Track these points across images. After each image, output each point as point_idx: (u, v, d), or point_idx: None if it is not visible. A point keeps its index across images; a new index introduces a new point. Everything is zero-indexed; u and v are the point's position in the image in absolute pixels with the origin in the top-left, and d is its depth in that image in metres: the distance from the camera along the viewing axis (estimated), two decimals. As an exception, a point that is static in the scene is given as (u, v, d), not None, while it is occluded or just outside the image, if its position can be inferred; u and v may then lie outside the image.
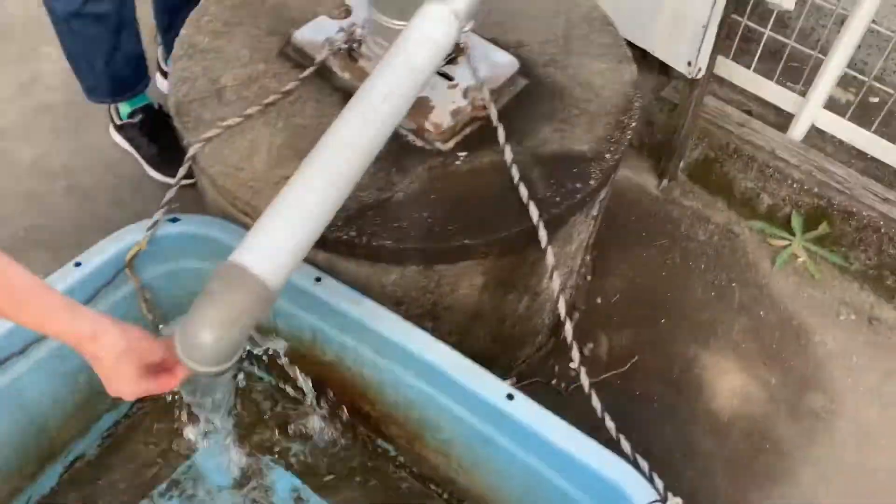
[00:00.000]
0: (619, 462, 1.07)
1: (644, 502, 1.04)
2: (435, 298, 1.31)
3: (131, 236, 1.24)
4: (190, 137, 1.27)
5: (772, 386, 1.69)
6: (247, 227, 1.24)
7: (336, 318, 1.22)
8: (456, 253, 1.21)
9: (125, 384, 0.95)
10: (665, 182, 2.03)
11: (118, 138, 1.97)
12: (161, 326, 1.33)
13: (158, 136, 1.91)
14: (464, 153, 1.29)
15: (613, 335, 1.74)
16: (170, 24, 1.91)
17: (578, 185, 1.26)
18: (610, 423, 1.13)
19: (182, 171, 1.26)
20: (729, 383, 1.68)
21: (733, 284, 1.86)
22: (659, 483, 1.06)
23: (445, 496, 1.40)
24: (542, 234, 1.21)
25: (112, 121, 1.95)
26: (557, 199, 1.24)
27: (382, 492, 1.41)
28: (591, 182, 1.27)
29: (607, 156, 1.31)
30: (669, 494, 1.05)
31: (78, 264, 1.21)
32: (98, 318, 0.92)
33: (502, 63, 1.38)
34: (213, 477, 1.41)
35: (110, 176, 1.94)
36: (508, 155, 1.26)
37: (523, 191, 1.23)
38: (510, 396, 1.12)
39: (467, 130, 1.31)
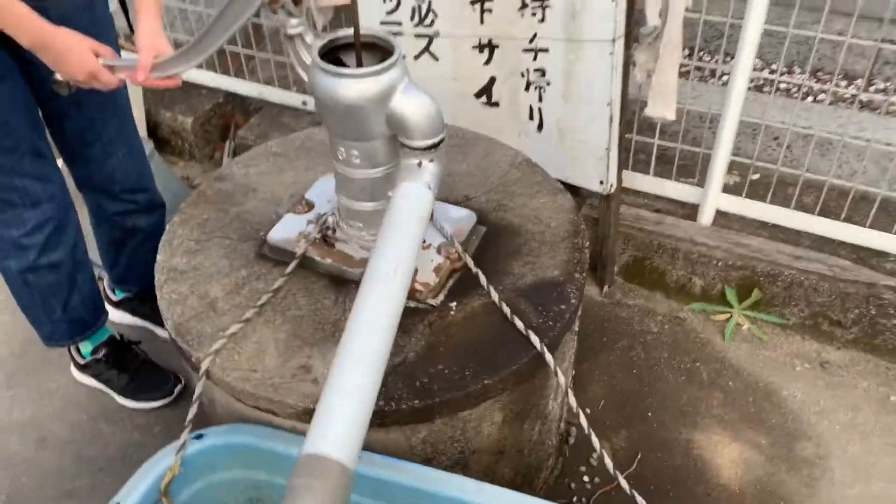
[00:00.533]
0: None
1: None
2: (462, 446, 1.37)
3: (163, 463, 1.25)
4: (197, 354, 1.31)
5: (763, 446, 1.81)
6: (271, 424, 1.30)
7: (382, 490, 1.25)
8: (477, 396, 1.29)
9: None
10: (606, 288, 2.21)
11: (83, 377, 1.95)
12: None
13: (127, 365, 1.91)
14: (454, 303, 1.40)
15: (612, 439, 1.83)
16: (115, 260, 1.97)
17: (563, 307, 1.39)
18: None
19: (198, 389, 1.29)
20: (727, 455, 1.79)
21: (697, 364, 2.01)
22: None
23: None
24: (549, 357, 1.32)
25: (74, 361, 1.94)
26: (550, 322, 1.36)
27: None
28: (573, 301, 1.41)
29: (576, 275, 1.46)
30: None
31: (116, 505, 1.20)
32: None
33: (461, 217, 1.52)
34: None
35: (82, 416, 1.91)
36: (495, 295, 1.39)
37: (519, 323, 1.34)
38: (569, 515, 1.18)
39: (450, 283, 1.43)
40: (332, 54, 1.29)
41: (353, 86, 1.21)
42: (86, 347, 1.90)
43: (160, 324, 2.08)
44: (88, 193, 1.82)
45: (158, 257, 1.50)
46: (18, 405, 1.94)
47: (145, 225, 1.90)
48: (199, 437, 1.29)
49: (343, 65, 1.27)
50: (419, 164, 1.27)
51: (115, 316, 2.08)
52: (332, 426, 0.97)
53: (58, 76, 1.43)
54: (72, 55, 1.36)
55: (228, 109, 2.80)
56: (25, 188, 1.56)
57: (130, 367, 1.91)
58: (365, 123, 1.26)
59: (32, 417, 1.91)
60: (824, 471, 1.76)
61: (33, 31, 1.33)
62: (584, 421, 1.31)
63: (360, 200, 1.39)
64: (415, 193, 1.24)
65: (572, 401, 1.33)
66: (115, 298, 2.09)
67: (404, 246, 1.17)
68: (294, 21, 1.26)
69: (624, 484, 1.28)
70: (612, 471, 1.28)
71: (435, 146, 1.26)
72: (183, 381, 1.95)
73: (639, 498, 1.25)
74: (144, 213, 1.88)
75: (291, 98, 2.64)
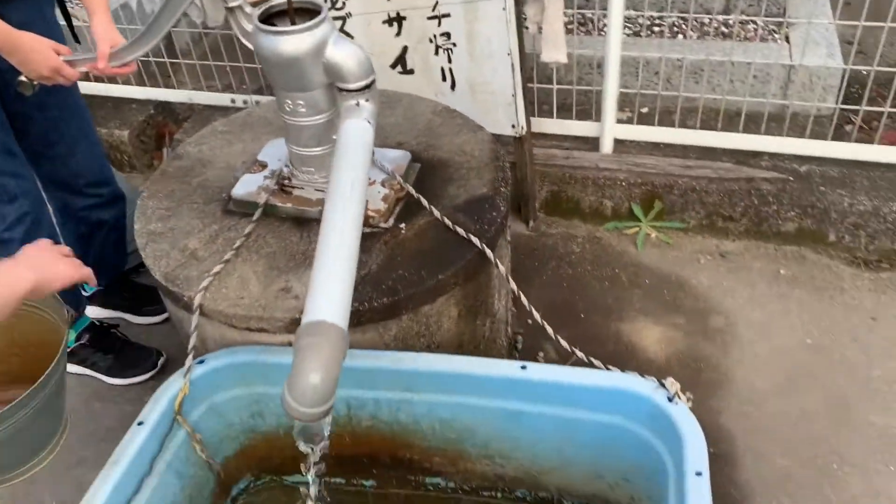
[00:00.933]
0: (622, 374, 1.41)
1: (652, 390, 1.37)
2: (427, 341, 1.61)
3: (174, 386, 1.44)
4: (188, 293, 1.51)
5: (681, 325, 2.11)
6: (261, 343, 1.51)
7: (367, 378, 1.47)
8: (435, 290, 1.53)
9: None
10: (531, 223, 2.49)
11: (69, 367, 2.09)
12: None
13: (110, 347, 2.07)
14: (402, 224, 1.64)
15: (553, 341, 2.10)
16: (84, 255, 2.12)
17: (494, 214, 1.65)
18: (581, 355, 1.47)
19: (194, 320, 1.49)
20: (652, 336, 2.09)
21: (616, 271, 2.31)
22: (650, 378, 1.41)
23: (500, 495, 1.63)
24: (489, 252, 1.58)
25: (58, 352, 2.08)
26: (486, 227, 1.61)
27: (448, 521, 1.62)
28: (502, 209, 1.67)
29: (502, 189, 1.72)
30: (669, 379, 1.39)
31: (141, 423, 1.38)
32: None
33: (398, 157, 1.76)
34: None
35: (75, 400, 2.05)
36: (437, 213, 1.63)
37: (461, 231, 1.59)
38: (523, 367, 1.43)
39: (397, 209, 1.67)
40: (268, 21, 1.52)
41: (293, 41, 1.43)
42: (69, 337, 2.05)
43: (132, 311, 2.26)
44: (54, 192, 1.97)
45: (136, 225, 1.69)
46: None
47: (109, 218, 2.07)
48: (202, 361, 1.49)
49: (280, 28, 1.50)
50: (357, 104, 1.51)
51: (88, 311, 2.23)
52: (325, 299, 1.19)
53: (23, 77, 1.60)
54: (36, 54, 1.55)
55: (160, 119, 2.96)
56: (3, 185, 1.72)
57: (114, 348, 2.07)
58: (305, 74, 1.48)
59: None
60: (734, 336, 2.07)
61: (2, 35, 1.51)
62: (524, 300, 1.57)
63: (309, 147, 1.62)
64: (357, 127, 1.48)
65: (512, 285, 1.58)
66: (85, 293, 2.24)
67: (357, 167, 1.40)
68: (233, -5, 1.48)
69: (581, 354, 1.53)
70: (564, 343, 1.54)
71: (368, 87, 1.50)
72: (165, 355, 2.12)
73: (580, 354, 1.51)
74: (108, 207, 2.05)
75: (220, 98, 2.83)
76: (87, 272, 1.30)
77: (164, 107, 2.97)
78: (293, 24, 1.48)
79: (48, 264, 1.23)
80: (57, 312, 1.41)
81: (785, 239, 2.32)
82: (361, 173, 1.41)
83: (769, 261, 2.29)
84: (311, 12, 1.51)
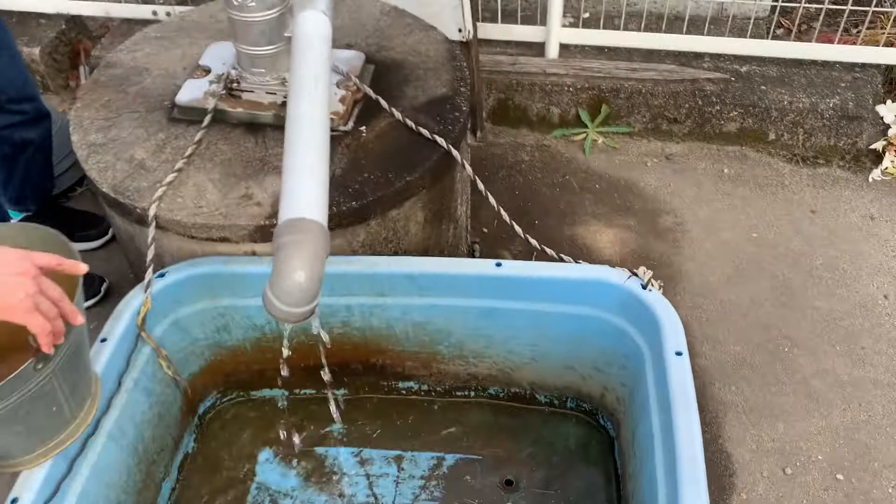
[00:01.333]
0: (594, 266, 1.42)
1: (623, 279, 1.39)
2: (395, 246, 1.57)
3: (135, 301, 1.37)
4: (141, 204, 1.42)
5: (633, 226, 2.15)
6: (224, 254, 1.44)
7: (338, 284, 1.43)
8: (402, 193, 1.49)
9: (20, 264, 0.95)
10: (479, 133, 2.45)
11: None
12: None
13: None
14: (363, 127, 1.58)
15: (509, 247, 2.10)
16: (8, 177, 1.96)
17: (457, 114, 1.61)
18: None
19: (151, 231, 1.40)
20: (605, 238, 2.11)
21: (566, 177, 2.31)
22: (621, 268, 1.42)
23: (473, 394, 1.65)
24: (455, 153, 1.54)
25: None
26: (449, 128, 1.57)
27: (423, 421, 1.62)
28: (464, 109, 1.62)
29: (462, 89, 1.67)
30: (642, 269, 1.41)
31: (104, 340, 1.31)
32: None
33: (351, 57, 1.68)
34: (283, 484, 1.54)
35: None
36: (398, 114, 1.58)
37: (425, 132, 1.54)
38: (498, 264, 1.42)
39: (355, 111, 1.60)
40: None
41: (241, -74, 1.33)
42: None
43: (69, 239, 2.12)
44: None
45: (73, 138, 1.56)
46: None
47: (35, 137, 1.92)
48: (162, 275, 1.41)
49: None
50: (312, -4, 1.42)
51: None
52: (302, 196, 1.14)
53: None
54: None
55: (73, 35, 2.74)
56: None
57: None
58: (255, -36, 1.38)
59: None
60: (683, 233, 2.12)
61: None
62: (491, 199, 1.55)
63: (259, 46, 1.52)
64: (314, 18, 1.39)
65: (481, 186, 1.56)
66: (14, 222, 2.09)
67: (317, 60, 1.33)
68: None
69: (551, 251, 1.53)
70: (522, 234, 1.53)
71: (321, -23, 1.41)
72: (108, 281, 2.01)
73: (550, 251, 1.51)
74: (32, 125, 1.89)
75: (140, 10, 2.63)
76: (58, 330, 0.99)
77: (76, 21, 2.74)
78: None
79: (11, 298, 0.94)
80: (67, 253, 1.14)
81: (727, 139, 2.37)
82: (323, 67, 1.34)
83: (713, 161, 2.33)
84: None
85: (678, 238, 2.11)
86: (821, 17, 2.31)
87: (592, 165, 2.34)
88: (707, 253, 2.06)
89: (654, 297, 1.36)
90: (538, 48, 2.45)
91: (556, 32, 2.39)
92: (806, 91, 2.28)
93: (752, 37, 2.36)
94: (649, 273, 1.40)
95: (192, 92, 1.60)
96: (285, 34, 1.50)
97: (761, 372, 1.79)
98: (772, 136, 2.33)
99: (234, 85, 1.59)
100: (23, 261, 0.97)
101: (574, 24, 2.48)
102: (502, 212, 1.55)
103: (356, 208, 1.44)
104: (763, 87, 2.30)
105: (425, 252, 1.66)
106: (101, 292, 1.99)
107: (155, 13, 2.63)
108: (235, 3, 1.44)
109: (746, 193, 2.23)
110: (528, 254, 2.06)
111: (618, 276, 1.40)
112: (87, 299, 1.97)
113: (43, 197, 2.07)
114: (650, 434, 1.26)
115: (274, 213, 1.40)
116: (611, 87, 2.34)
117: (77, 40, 2.75)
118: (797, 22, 2.45)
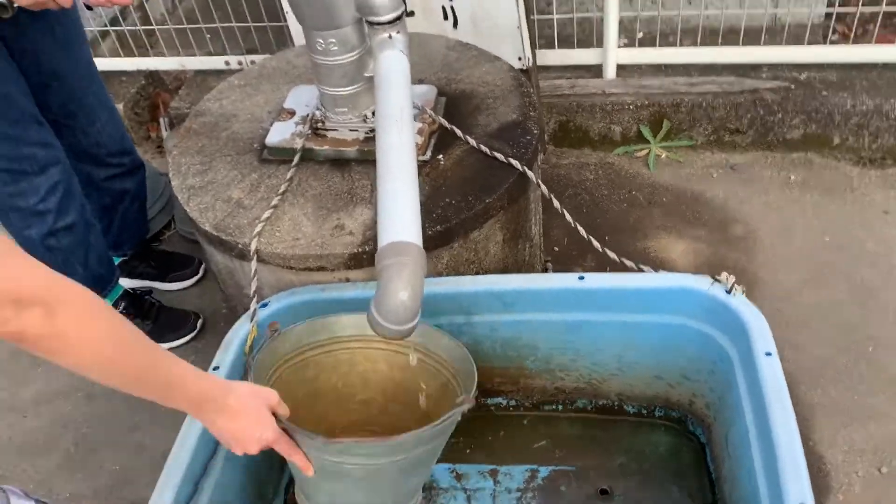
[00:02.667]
0: (677, 275, 1.46)
1: (707, 285, 1.43)
2: (476, 267, 1.64)
3: (241, 330, 1.46)
4: (243, 240, 1.52)
5: (704, 237, 2.17)
6: (318, 282, 1.53)
7: (427, 305, 1.50)
8: (483, 215, 1.56)
9: (264, 426, 1.07)
10: (542, 156, 2.52)
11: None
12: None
13: (147, 313, 2.07)
14: (440, 156, 1.66)
15: (582, 264, 2.15)
16: (108, 226, 2.10)
17: (528, 138, 1.68)
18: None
19: (253, 264, 1.50)
20: (678, 249, 2.15)
21: (633, 192, 2.35)
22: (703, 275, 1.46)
23: (560, 408, 1.69)
24: (530, 173, 1.61)
25: (95, 323, 2.08)
26: (522, 151, 1.64)
27: (514, 436, 1.67)
28: (535, 132, 1.69)
29: (531, 113, 1.74)
30: (724, 274, 1.44)
31: (216, 368, 1.40)
32: (220, 379, 1.09)
33: (424, 91, 1.78)
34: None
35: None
36: (473, 141, 1.66)
37: (500, 156, 1.62)
38: (581, 277, 1.47)
39: (432, 141, 1.69)
40: (294, -38, 1.51)
41: (325, -23, 1.43)
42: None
43: (160, 279, 2.26)
44: (76, 164, 1.94)
45: (173, 182, 1.68)
46: (54, 377, 2.07)
47: (131, 186, 2.06)
48: (265, 305, 1.51)
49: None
50: (389, 37, 1.51)
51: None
52: (399, 220, 1.22)
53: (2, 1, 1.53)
54: None
55: (152, 90, 2.92)
56: (34, 155, 1.70)
57: (150, 313, 2.07)
58: (336, 9, 1.48)
59: (70, 382, 2.05)
60: (755, 241, 2.13)
61: None
62: (568, 217, 1.61)
63: (342, 87, 1.62)
64: (394, 57, 1.49)
65: (556, 203, 1.62)
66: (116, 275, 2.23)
67: (401, 95, 1.42)
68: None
69: (630, 263, 1.57)
70: (595, 246, 1.58)
71: (399, 18, 1.51)
72: (202, 317, 2.13)
73: (629, 263, 1.56)
74: (130, 176, 2.04)
75: (213, 62, 2.79)
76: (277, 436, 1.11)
77: (154, 76, 2.92)
78: (319, -40, 1.47)
79: (250, 420, 1.06)
80: (465, 380, 1.34)
81: (791, 146, 2.38)
82: (407, 100, 1.43)
83: (778, 169, 2.35)
84: (336, -53, 1.51)
85: (750, 246, 2.12)
86: (878, 20, 2.32)
87: (658, 179, 2.38)
88: (781, 259, 2.08)
89: (740, 301, 1.39)
90: (596, 70, 2.52)
91: (613, 53, 2.45)
92: (869, 93, 2.29)
93: (808, 44, 2.38)
94: (732, 278, 1.43)
95: (280, 134, 1.71)
96: (365, 74, 1.60)
97: (847, 373, 1.79)
98: (836, 141, 2.34)
99: (319, 125, 1.69)
100: (261, 424, 1.08)
101: (629, 45, 2.54)
102: (579, 227, 1.61)
103: (441, 232, 1.51)
104: (824, 93, 2.31)
105: (504, 271, 1.73)
106: (197, 328, 2.10)
107: (227, 63, 2.78)
108: (319, 48, 1.55)
109: (816, 199, 2.23)
110: (601, 269, 2.10)
111: (701, 282, 1.44)
112: (184, 334, 2.09)
113: (139, 241, 2.20)
114: (745, 435, 1.29)
115: (365, 241, 1.49)
116: (671, 102, 2.39)
117: (155, 94, 2.93)
118: (854, 24, 2.46)
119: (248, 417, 1.06)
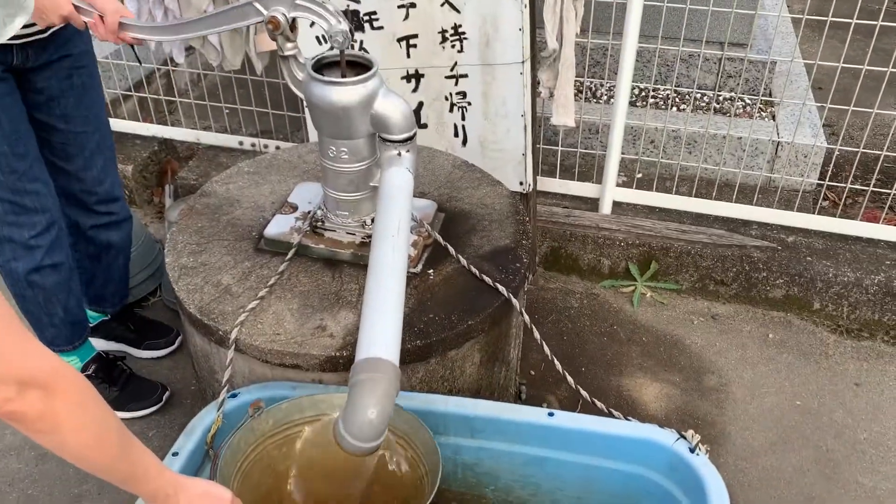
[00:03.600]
0: (644, 425, 1.48)
1: (672, 441, 1.44)
2: (450, 385, 1.66)
3: (207, 418, 1.46)
4: (224, 327, 1.54)
5: (678, 382, 2.20)
6: (293, 380, 1.54)
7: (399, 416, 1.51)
8: (463, 335, 1.59)
9: None
10: (530, 277, 2.57)
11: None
12: None
13: (115, 379, 2.06)
14: (431, 270, 1.70)
15: (556, 392, 2.16)
16: (91, 278, 2.11)
17: (518, 265, 1.72)
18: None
19: (230, 353, 1.51)
20: (651, 392, 2.16)
21: (614, 327, 2.39)
22: (670, 430, 1.47)
23: (514, 541, 1.66)
24: (514, 301, 1.64)
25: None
26: (510, 277, 1.69)
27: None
28: (525, 260, 1.74)
29: (524, 241, 1.80)
30: (690, 432, 1.46)
31: (175, 454, 1.39)
32: (176, 475, 1.11)
33: (424, 206, 1.83)
34: None
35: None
36: (463, 261, 1.70)
37: (487, 279, 1.66)
38: (550, 414, 1.49)
39: (425, 255, 1.73)
40: (319, 71, 1.59)
41: (346, 92, 1.51)
42: (74, 364, 2.04)
43: (136, 345, 2.26)
44: (64, 208, 1.94)
45: (167, 259, 1.71)
46: (10, 431, 2.04)
47: (117, 240, 2.07)
48: (234, 395, 1.51)
49: (331, 78, 1.57)
50: (399, 154, 1.58)
51: (92, 343, 2.21)
52: (379, 337, 1.24)
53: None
54: (52, 4, 1.51)
55: (163, 156, 2.99)
56: (37, 191, 1.73)
57: (119, 380, 2.06)
58: (353, 124, 1.55)
59: (26, 439, 2.00)
60: (727, 394, 2.16)
61: None
62: (546, 349, 1.64)
63: (346, 192, 1.67)
64: (400, 175, 1.55)
65: (537, 335, 1.65)
66: (90, 324, 2.23)
67: (401, 212, 1.47)
68: (290, 45, 1.55)
69: (601, 405, 1.59)
70: (573, 385, 1.60)
71: (410, 139, 1.58)
72: (169, 390, 2.11)
73: (600, 405, 1.58)
74: (116, 227, 2.04)
75: (227, 139, 2.88)
76: None
77: (167, 144, 3.00)
78: (343, 76, 1.55)
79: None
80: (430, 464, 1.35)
81: (773, 304, 2.44)
82: (406, 218, 1.47)
83: (758, 324, 2.40)
84: (360, 66, 1.59)
85: (722, 399, 2.14)
86: (866, 197, 2.43)
87: (640, 318, 2.42)
88: (751, 416, 2.09)
89: (702, 462, 1.40)
90: (592, 203, 2.60)
91: (611, 191, 2.54)
92: (851, 265, 2.37)
93: (799, 209, 2.48)
94: (697, 437, 1.45)
95: (279, 226, 1.75)
96: (371, 184, 1.66)
97: (804, 545, 1.78)
98: (816, 306, 2.40)
99: (318, 223, 1.74)
100: None
101: (628, 183, 2.64)
102: (555, 361, 1.63)
103: (420, 346, 1.53)
104: (809, 259, 2.39)
105: (477, 392, 1.74)
106: (163, 400, 2.08)
107: (241, 143, 2.87)
108: (331, 154, 1.61)
109: (791, 360, 2.27)
110: (573, 399, 2.11)
111: (667, 437, 1.45)
112: (148, 406, 2.07)
113: (121, 300, 2.21)
114: None
115: (344, 346, 1.51)
116: (661, 245, 2.46)
117: (166, 160, 3.00)
118: (843, 197, 2.57)
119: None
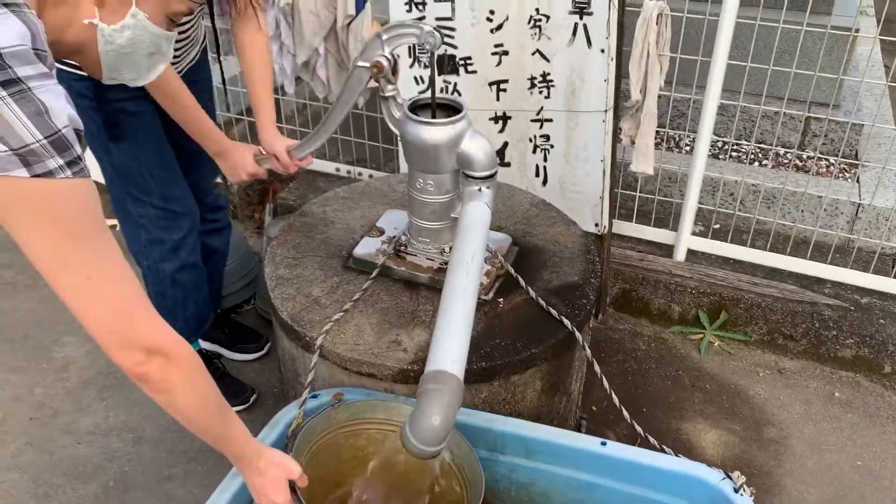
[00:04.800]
0: (692, 462, 1.55)
1: (717, 479, 1.51)
2: (511, 408, 1.77)
3: (289, 415, 1.62)
4: (311, 334, 1.71)
5: (738, 431, 2.23)
6: (367, 387, 1.68)
7: (463, 431, 1.63)
8: (526, 362, 1.70)
9: (277, 491, 1.32)
10: (601, 316, 2.65)
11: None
12: None
13: (211, 375, 2.25)
14: (500, 299, 1.83)
15: (615, 429, 2.23)
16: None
17: (584, 301, 1.83)
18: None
19: (315, 358, 1.67)
20: (710, 438, 2.21)
21: (679, 372, 2.44)
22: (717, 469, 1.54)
23: (560, 562, 1.74)
24: (578, 335, 1.75)
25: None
26: (576, 312, 1.79)
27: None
28: (591, 297, 1.85)
29: (592, 280, 1.90)
30: (736, 473, 1.52)
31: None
32: (260, 444, 1.36)
33: (500, 239, 1.97)
34: None
35: (171, 420, 2.23)
36: (532, 293, 1.82)
37: (554, 312, 1.77)
38: (603, 443, 1.58)
39: (497, 285, 1.86)
40: (413, 111, 1.76)
41: (437, 132, 1.67)
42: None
43: (228, 347, 2.46)
44: None
45: (266, 269, 1.90)
46: (113, 412, 2.27)
47: (219, 245, 2.29)
48: (315, 396, 1.67)
49: (425, 118, 1.74)
50: (479, 190, 1.72)
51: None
52: (448, 353, 1.38)
53: (219, 179, 1.89)
54: (241, 161, 1.88)
55: (267, 177, 3.24)
56: (182, 198, 1.98)
57: (214, 377, 2.25)
58: (440, 160, 1.71)
59: (126, 421, 2.23)
60: (787, 447, 2.18)
61: (219, 142, 1.80)
62: (606, 384, 1.73)
63: (429, 221, 1.83)
64: (479, 209, 1.69)
65: (597, 368, 1.75)
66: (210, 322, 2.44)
67: (476, 242, 1.61)
68: (390, 87, 1.73)
69: (653, 441, 1.68)
70: (629, 420, 1.69)
71: (492, 176, 1.72)
72: (256, 392, 2.30)
73: (653, 440, 1.66)
74: (219, 234, 2.27)
75: (326, 165, 3.10)
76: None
77: (271, 166, 3.25)
78: (434, 116, 1.72)
79: (271, 484, 1.32)
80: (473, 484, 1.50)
81: (841, 364, 2.44)
82: (480, 248, 1.61)
83: (825, 382, 2.41)
84: (451, 108, 1.76)
85: (780, 451, 2.17)
86: (947, 264, 2.41)
87: (706, 366, 2.47)
88: (808, 471, 2.11)
89: (744, 502, 1.46)
90: (667, 249, 2.68)
91: (686, 239, 2.61)
92: (926, 331, 2.35)
93: (875, 271, 2.48)
94: (742, 478, 1.51)
95: (366, 248, 1.92)
96: (452, 215, 1.81)
97: None
98: (887, 369, 2.39)
99: (402, 248, 1.89)
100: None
101: (703, 233, 2.70)
102: (614, 396, 1.72)
103: (485, 368, 1.66)
104: (882, 321, 2.39)
105: (537, 418, 1.84)
106: (250, 402, 2.27)
107: (337, 169, 3.09)
108: (418, 186, 1.77)
109: (856, 420, 2.27)
110: (631, 438, 2.18)
111: (713, 475, 1.52)
112: (238, 404, 2.26)
113: (215, 306, 2.42)
114: None
115: (416, 360, 1.65)
116: (732, 296, 2.51)
117: (269, 181, 3.24)
118: (924, 264, 2.55)
119: (267, 481, 1.32)
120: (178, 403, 1.17)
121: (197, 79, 2.01)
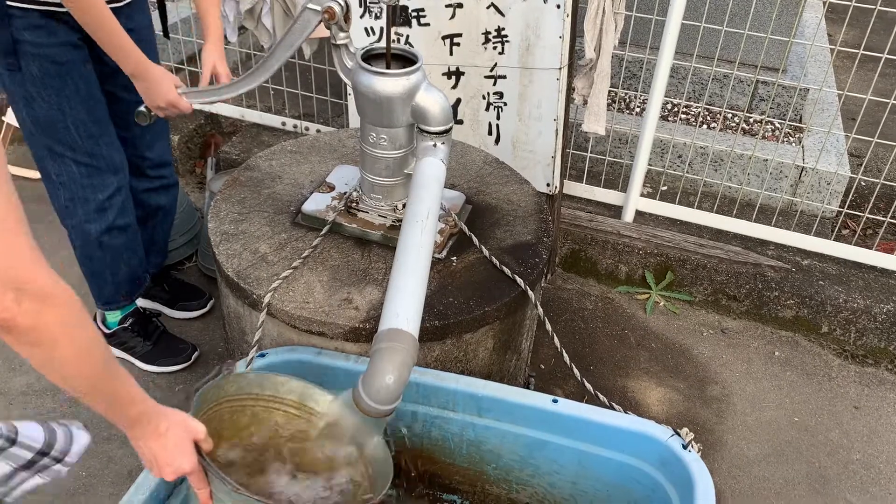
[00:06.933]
0: (641, 419, 1.56)
1: (666, 436, 1.53)
2: (462, 366, 1.75)
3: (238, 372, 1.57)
4: (258, 291, 1.65)
5: (682, 389, 2.28)
6: (317, 346, 1.64)
7: (409, 391, 1.61)
8: (479, 320, 1.68)
9: (184, 456, 1.14)
10: (549, 276, 2.66)
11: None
12: None
13: (150, 334, 2.18)
14: (454, 258, 1.80)
15: (563, 387, 2.25)
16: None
17: (537, 260, 1.82)
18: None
19: (262, 316, 1.62)
20: (655, 396, 2.25)
21: (625, 331, 2.47)
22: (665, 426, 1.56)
23: (510, 519, 1.76)
24: (530, 293, 1.74)
25: (99, 332, 2.19)
26: (528, 270, 1.78)
27: (458, 537, 1.74)
28: (543, 256, 1.84)
29: (544, 239, 1.89)
30: (685, 430, 1.55)
31: (204, 402, 1.50)
32: (158, 405, 1.12)
33: (454, 197, 1.94)
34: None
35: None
36: (486, 251, 1.80)
37: (507, 270, 1.76)
38: (555, 401, 1.58)
39: (450, 243, 1.83)
40: (367, 61, 1.70)
41: (391, 83, 1.61)
42: (114, 317, 2.17)
43: (169, 305, 2.38)
44: None
45: (209, 224, 1.83)
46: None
47: (165, 203, 2.20)
48: (263, 355, 1.62)
49: (378, 69, 1.68)
50: (434, 145, 1.68)
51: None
52: (402, 310, 1.34)
53: (142, 108, 1.77)
54: (160, 86, 1.72)
55: (208, 130, 3.12)
56: (111, 156, 1.87)
57: (153, 335, 2.19)
58: (394, 113, 1.66)
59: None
60: (728, 405, 2.23)
61: (138, 63, 1.68)
62: (556, 341, 1.73)
63: (382, 177, 1.78)
64: (434, 165, 1.65)
65: (548, 326, 1.74)
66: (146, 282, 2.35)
67: (431, 199, 1.57)
68: (342, 35, 1.66)
69: (603, 398, 1.69)
70: (577, 375, 1.70)
71: (447, 131, 1.68)
72: (198, 350, 2.24)
73: (603, 398, 1.67)
74: (165, 191, 2.17)
75: (271, 119, 3.00)
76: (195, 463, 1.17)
77: (213, 118, 3.13)
78: (388, 67, 1.66)
79: (177, 447, 1.13)
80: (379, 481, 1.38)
81: (782, 324, 2.51)
82: (435, 205, 1.57)
83: (766, 342, 2.47)
84: (405, 59, 1.70)
85: (723, 409, 2.22)
86: (883, 227, 2.48)
87: (651, 325, 2.51)
88: (748, 428, 2.17)
89: (692, 458, 1.48)
90: (615, 210, 2.69)
91: (635, 200, 2.62)
92: (862, 293, 2.43)
93: (816, 234, 2.54)
94: (691, 435, 1.54)
95: (316, 204, 1.86)
96: (405, 171, 1.76)
97: (786, 553, 1.86)
98: (824, 329, 2.46)
99: (353, 204, 1.84)
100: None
101: (652, 195, 2.72)
102: (565, 354, 1.72)
103: (437, 326, 1.63)
104: (821, 282, 2.46)
105: (488, 376, 1.83)
106: (192, 359, 2.20)
107: (283, 124, 2.99)
108: (370, 140, 1.72)
109: (794, 378, 2.34)
110: (579, 395, 2.20)
111: (661, 432, 1.53)
112: (178, 363, 2.19)
113: (159, 263, 2.34)
114: (671, 584, 1.36)
115: (367, 319, 1.61)
116: (678, 256, 2.54)
117: (210, 134, 3.13)
118: (861, 226, 2.63)
119: (170, 444, 1.12)
120: (55, 357, 0.93)
121: (136, 26, 1.90)
